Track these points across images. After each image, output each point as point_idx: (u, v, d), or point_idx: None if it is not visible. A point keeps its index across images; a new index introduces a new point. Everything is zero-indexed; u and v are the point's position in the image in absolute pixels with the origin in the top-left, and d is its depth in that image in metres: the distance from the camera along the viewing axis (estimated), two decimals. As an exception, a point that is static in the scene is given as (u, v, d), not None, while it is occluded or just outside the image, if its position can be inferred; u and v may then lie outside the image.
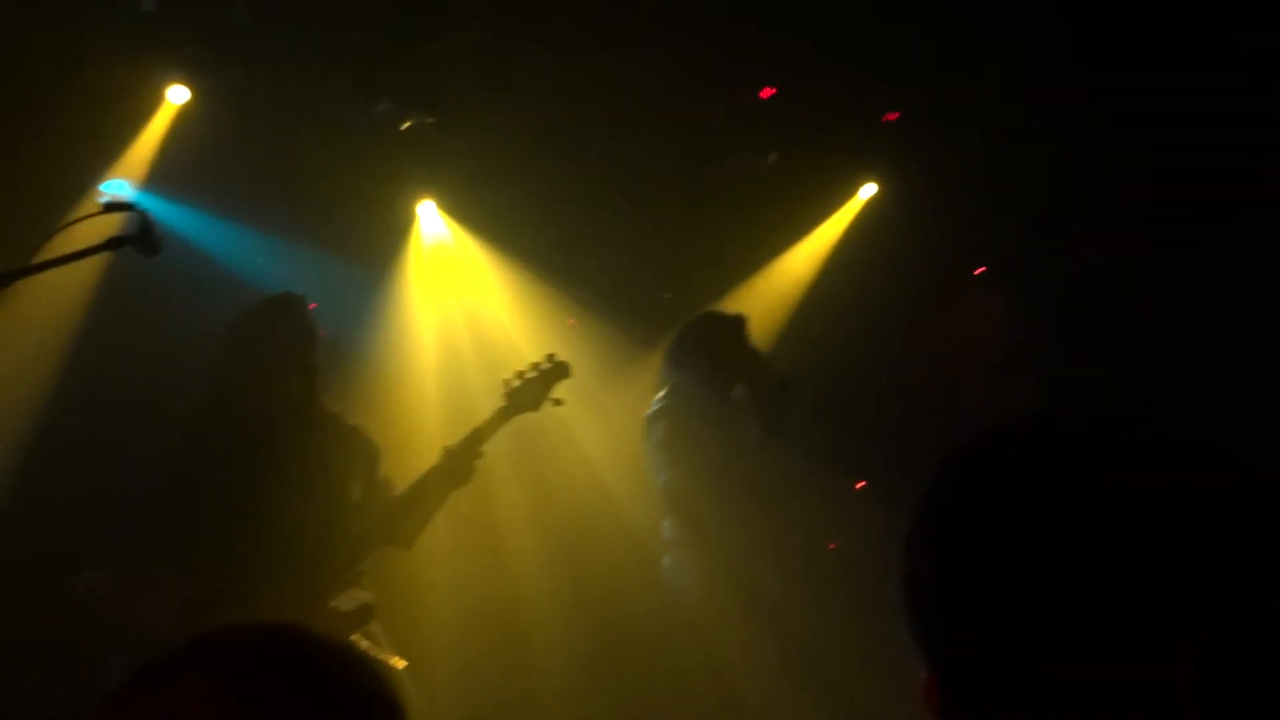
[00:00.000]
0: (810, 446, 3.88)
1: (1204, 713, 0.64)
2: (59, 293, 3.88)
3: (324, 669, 0.89)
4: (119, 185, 4.04)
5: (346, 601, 2.93)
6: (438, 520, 3.18)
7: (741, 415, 3.59)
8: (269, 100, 4.28)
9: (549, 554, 4.44)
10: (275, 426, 2.96)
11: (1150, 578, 0.66)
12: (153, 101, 4.18)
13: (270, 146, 4.35)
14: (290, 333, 3.01)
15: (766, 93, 4.60)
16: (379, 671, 0.93)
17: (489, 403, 3.26)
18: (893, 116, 4.72)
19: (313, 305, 4.81)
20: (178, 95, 4.17)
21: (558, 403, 3.18)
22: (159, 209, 3.74)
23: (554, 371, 3.17)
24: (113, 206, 2.42)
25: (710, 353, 3.60)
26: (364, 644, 2.90)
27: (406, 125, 4.34)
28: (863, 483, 4.78)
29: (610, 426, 4.47)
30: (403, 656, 3.07)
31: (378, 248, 4.79)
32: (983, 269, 5.22)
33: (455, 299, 4.92)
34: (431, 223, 4.90)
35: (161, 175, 4.17)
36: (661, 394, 3.72)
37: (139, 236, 2.34)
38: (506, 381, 3.15)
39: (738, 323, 3.71)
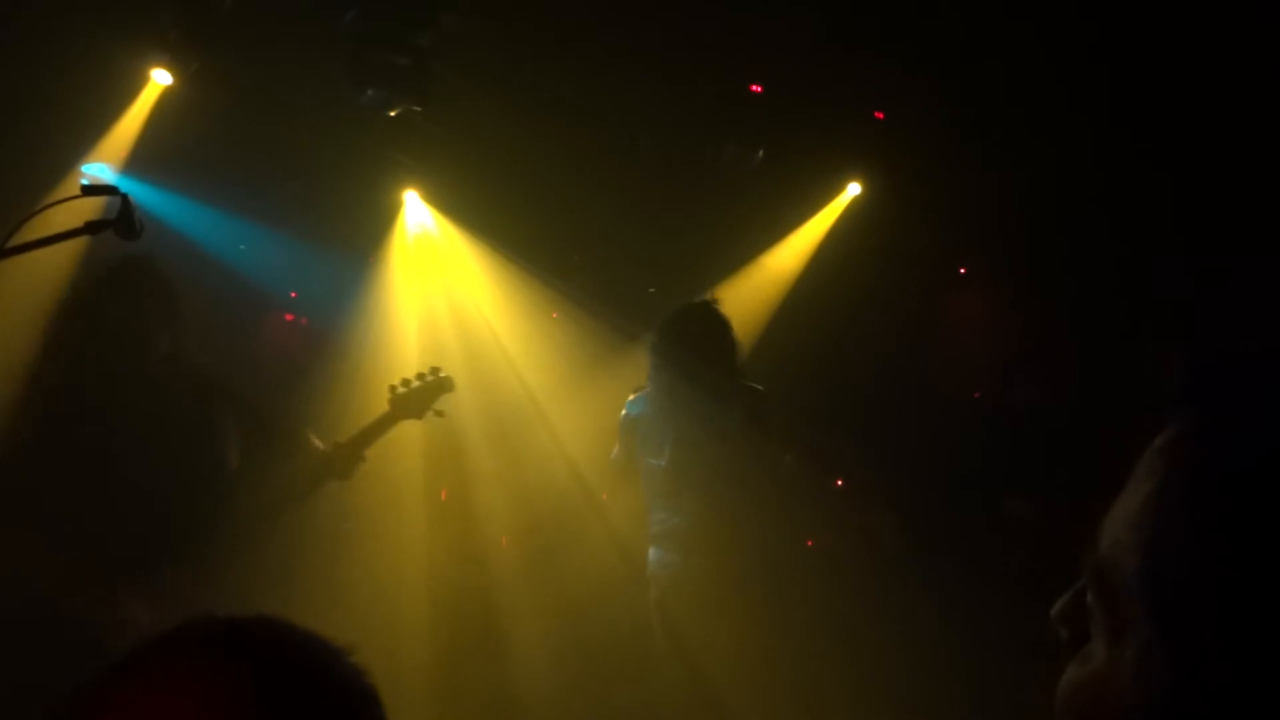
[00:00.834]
0: (791, 440, 3.89)
1: None
2: (36, 276, 3.83)
3: (305, 662, 0.88)
4: (100, 168, 3.99)
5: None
6: (414, 511, 3.18)
7: (724, 405, 3.60)
8: (254, 85, 4.23)
9: (526, 547, 4.44)
10: (129, 389, 2.92)
11: None
12: (136, 84, 4.13)
13: (254, 132, 4.31)
14: (145, 291, 2.97)
15: (756, 88, 4.60)
16: (358, 666, 0.92)
17: (467, 395, 3.26)
18: (880, 115, 4.73)
19: (294, 294, 4.84)
20: (161, 78, 4.13)
21: (439, 414, 3.22)
22: (140, 193, 3.70)
23: (439, 384, 3.23)
24: (93, 190, 2.38)
25: (694, 343, 3.62)
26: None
27: (394, 113, 4.31)
28: (841, 479, 4.80)
29: (592, 419, 4.46)
30: (376, 648, 3.04)
31: (362, 237, 4.76)
32: (964, 269, 5.24)
33: (439, 290, 4.90)
34: (416, 213, 4.88)
35: (143, 159, 4.13)
36: (646, 384, 3.73)
37: (119, 220, 2.31)
38: (393, 388, 3.19)
39: (718, 312, 3.73)
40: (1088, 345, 4.62)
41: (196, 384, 3.01)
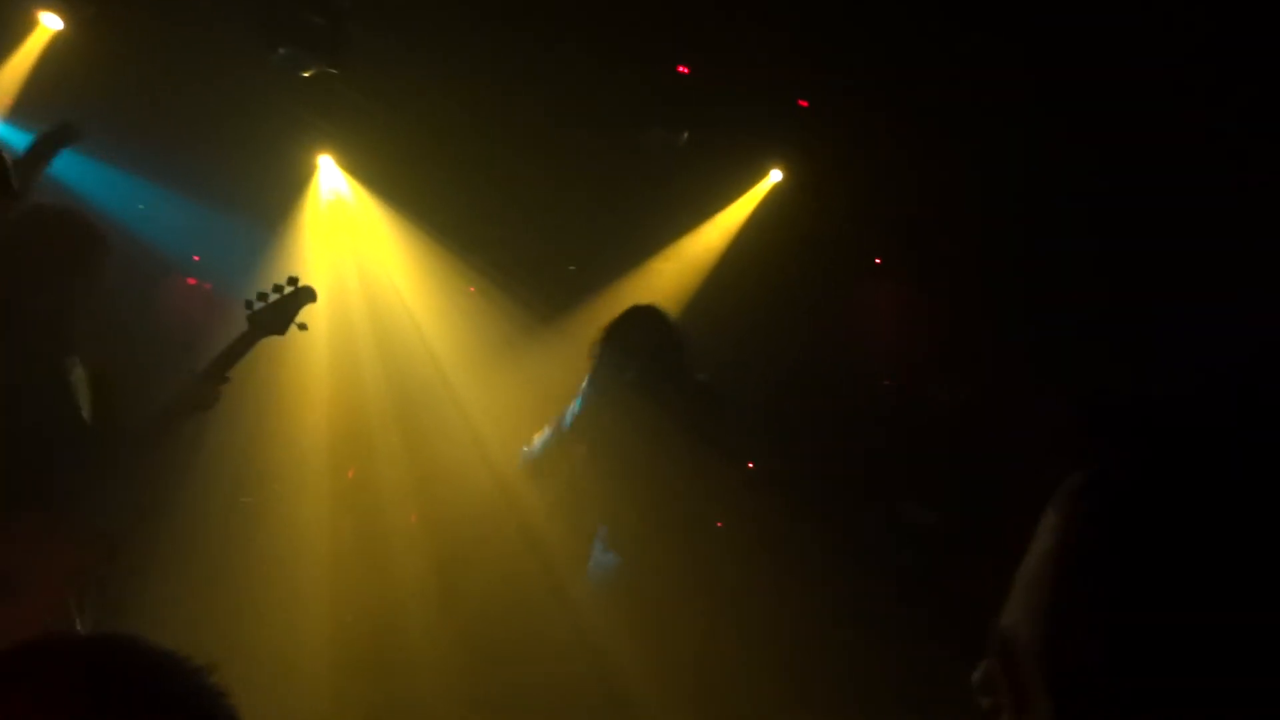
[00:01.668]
0: (703, 429, 3.89)
1: None
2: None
3: (159, 686, 0.84)
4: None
5: (81, 531, 2.70)
6: (316, 495, 3.08)
7: (665, 410, 3.57)
8: (155, 36, 4.02)
9: (431, 535, 4.35)
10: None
11: None
12: (22, 27, 3.88)
13: (157, 86, 4.10)
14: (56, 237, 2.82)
15: (682, 69, 4.56)
16: (216, 687, 0.88)
17: (377, 367, 3.16)
18: (804, 104, 4.73)
19: (196, 258, 4.65)
20: (51, 22, 3.88)
21: (302, 327, 3.04)
22: (24, 144, 3.48)
23: (298, 295, 3.03)
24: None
25: (636, 348, 3.58)
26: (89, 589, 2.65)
27: (307, 75, 4.15)
28: (751, 464, 4.83)
29: (503, 396, 4.40)
30: (278, 651, 2.96)
31: (271, 200, 4.59)
32: (880, 260, 5.29)
33: (350, 258, 4.77)
34: (331, 178, 4.73)
35: (28, 108, 3.89)
36: (591, 378, 3.64)
37: (-2, 179, 2.17)
38: (249, 303, 2.99)
39: (663, 316, 3.72)
40: (1002, 344, 4.70)
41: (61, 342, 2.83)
